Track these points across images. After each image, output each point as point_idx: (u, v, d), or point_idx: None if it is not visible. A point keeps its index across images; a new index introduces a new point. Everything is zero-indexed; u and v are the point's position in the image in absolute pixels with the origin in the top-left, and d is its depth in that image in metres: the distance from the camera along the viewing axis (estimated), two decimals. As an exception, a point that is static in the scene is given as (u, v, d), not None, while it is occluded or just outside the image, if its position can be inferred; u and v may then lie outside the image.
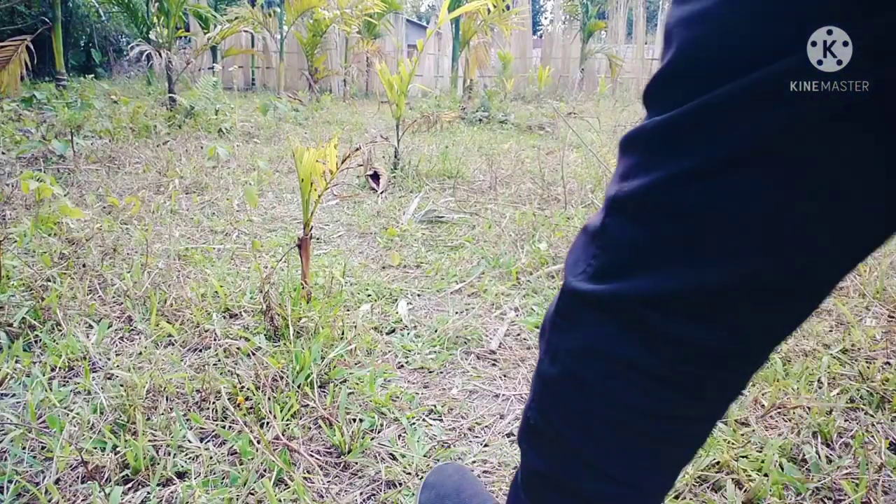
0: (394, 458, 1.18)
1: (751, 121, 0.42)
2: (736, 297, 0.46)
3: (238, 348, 1.52)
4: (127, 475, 1.09)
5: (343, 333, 1.61)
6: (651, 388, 0.50)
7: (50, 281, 1.79)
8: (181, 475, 1.11)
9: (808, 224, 0.43)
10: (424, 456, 1.18)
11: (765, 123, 0.42)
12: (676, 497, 1.09)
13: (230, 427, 1.23)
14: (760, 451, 1.20)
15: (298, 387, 1.35)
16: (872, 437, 1.26)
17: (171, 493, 1.06)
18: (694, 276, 0.46)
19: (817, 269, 0.46)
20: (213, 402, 1.30)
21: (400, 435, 1.25)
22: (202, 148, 4.16)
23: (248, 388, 1.34)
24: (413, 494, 1.08)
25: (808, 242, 0.44)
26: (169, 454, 1.14)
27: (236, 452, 1.16)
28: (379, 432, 1.26)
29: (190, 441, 1.18)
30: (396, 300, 1.90)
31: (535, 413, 0.58)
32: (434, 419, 1.32)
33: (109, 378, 1.40)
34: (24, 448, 1.14)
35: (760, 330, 0.48)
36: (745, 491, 1.10)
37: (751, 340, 0.49)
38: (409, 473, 1.13)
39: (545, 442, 0.58)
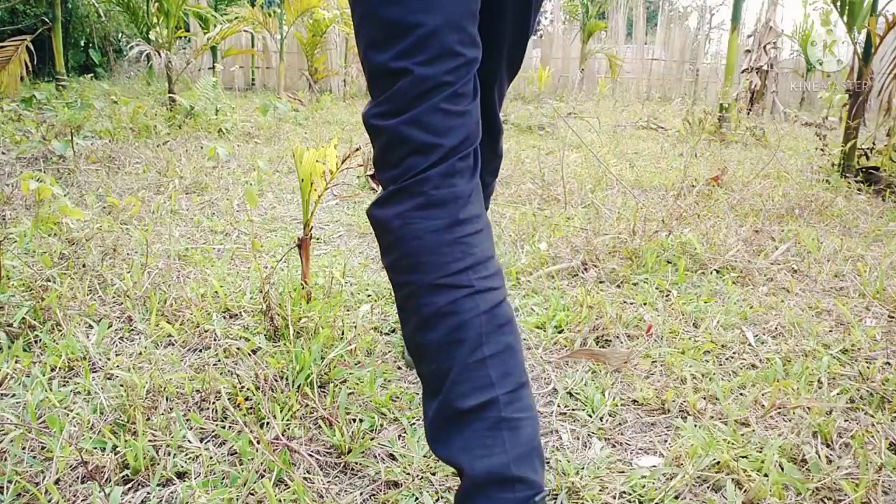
0: (394, 459, 1.18)
1: None
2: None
3: (238, 348, 1.52)
4: (127, 475, 1.09)
5: (343, 333, 1.61)
6: (431, 214, 0.81)
7: (50, 281, 1.79)
8: (181, 475, 1.11)
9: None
10: (424, 456, 1.18)
11: None
12: (676, 497, 1.09)
13: (230, 427, 1.23)
14: (760, 452, 1.20)
15: (298, 387, 1.35)
16: (872, 437, 1.26)
17: (171, 493, 1.06)
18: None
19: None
20: (213, 403, 1.30)
21: (400, 435, 1.25)
22: (202, 148, 4.15)
23: (248, 389, 1.34)
24: (413, 495, 1.08)
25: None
26: (169, 454, 1.14)
27: (236, 452, 1.16)
28: (379, 432, 1.26)
29: (190, 441, 1.18)
30: (396, 300, 1.90)
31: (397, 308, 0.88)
32: (434, 419, 1.31)
33: (109, 378, 1.40)
34: (24, 448, 1.14)
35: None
36: (745, 491, 1.10)
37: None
38: (409, 474, 1.13)
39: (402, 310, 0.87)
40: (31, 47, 5.11)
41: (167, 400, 1.30)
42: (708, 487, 1.13)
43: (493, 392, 0.78)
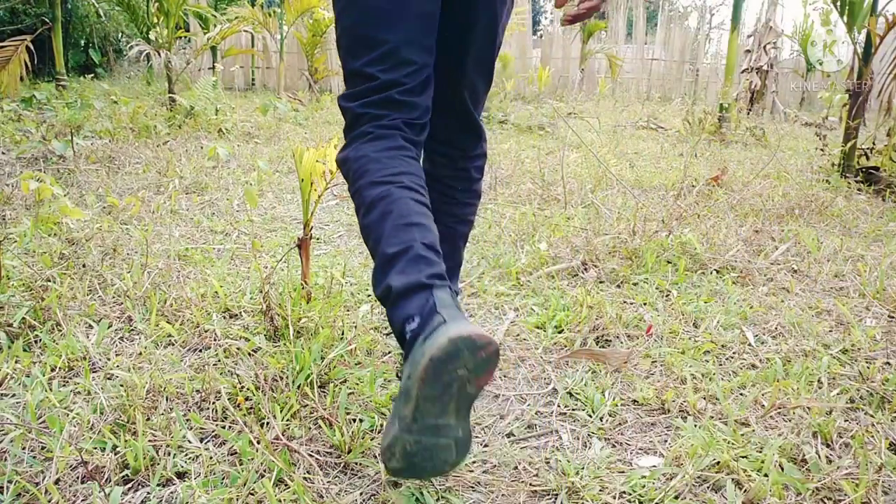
0: (394, 459, 1.17)
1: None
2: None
3: (238, 348, 1.52)
4: (127, 475, 1.09)
5: (343, 333, 1.61)
6: (377, 146, 1.08)
7: (50, 281, 1.79)
8: (181, 475, 1.11)
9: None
10: (424, 456, 1.18)
11: None
12: (676, 497, 1.09)
13: (230, 427, 1.23)
14: (760, 452, 1.20)
15: (298, 387, 1.35)
16: (872, 437, 1.26)
17: (171, 493, 1.06)
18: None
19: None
20: (213, 403, 1.30)
21: (400, 435, 1.25)
22: (202, 148, 4.16)
23: (248, 389, 1.34)
24: (413, 495, 1.08)
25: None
26: (169, 454, 1.14)
27: (236, 452, 1.16)
28: (379, 432, 1.26)
29: (190, 441, 1.18)
30: (396, 300, 1.90)
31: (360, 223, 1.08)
32: (434, 419, 1.31)
33: (109, 378, 1.40)
34: (24, 448, 1.14)
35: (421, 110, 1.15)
36: (745, 491, 1.10)
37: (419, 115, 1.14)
38: (409, 473, 1.13)
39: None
40: (31, 47, 5.11)
41: (167, 400, 1.30)
42: (708, 487, 1.13)
43: (413, 241, 0.99)
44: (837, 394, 1.43)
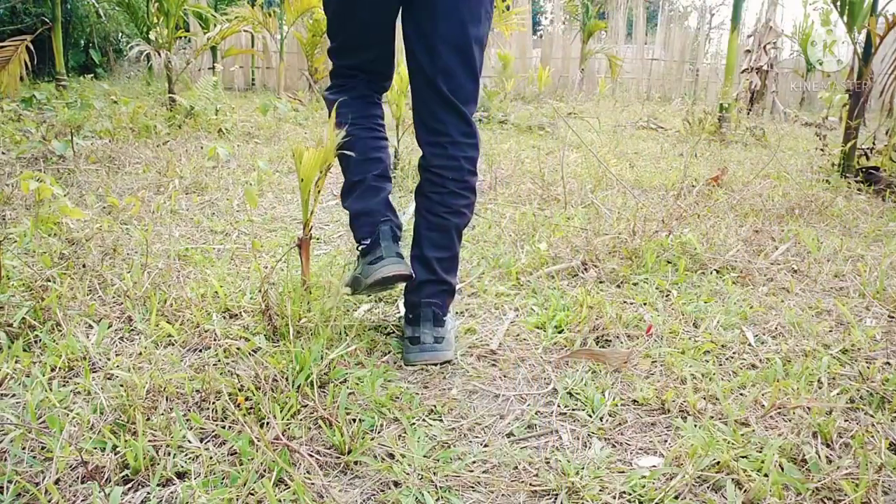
0: (394, 458, 1.18)
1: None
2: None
3: (238, 348, 1.52)
4: (127, 475, 1.09)
5: (343, 333, 1.61)
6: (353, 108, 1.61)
7: (50, 281, 1.79)
8: (181, 475, 1.11)
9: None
10: (424, 456, 1.18)
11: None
12: (676, 497, 1.09)
13: (230, 427, 1.23)
14: (760, 452, 1.20)
15: (298, 387, 1.35)
16: (872, 437, 1.26)
17: (171, 493, 1.06)
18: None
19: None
20: (213, 403, 1.30)
21: (400, 435, 1.25)
22: (202, 148, 4.15)
23: (248, 389, 1.34)
24: (413, 494, 1.08)
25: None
26: (169, 454, 1.14)
27: (236, 452, 1.16)
28: (379, 432, 1.26)
29: (190, 441, 1.18)
30: (396, 300, 1.90)
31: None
32: (434, 419, 1.32)
33: (109, 378, 1.40)
34: (24, 448, 1.14)
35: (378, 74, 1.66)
36: (745, 491, 1.10)
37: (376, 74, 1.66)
38: (409, 474, 1.13)
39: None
40: (31, 47, 5.10)
41: (167, 400, 1.30)
42: (708, 487, 1.13)
43: (368, 173, 1.56)
44: (837, 394, 1.43)
